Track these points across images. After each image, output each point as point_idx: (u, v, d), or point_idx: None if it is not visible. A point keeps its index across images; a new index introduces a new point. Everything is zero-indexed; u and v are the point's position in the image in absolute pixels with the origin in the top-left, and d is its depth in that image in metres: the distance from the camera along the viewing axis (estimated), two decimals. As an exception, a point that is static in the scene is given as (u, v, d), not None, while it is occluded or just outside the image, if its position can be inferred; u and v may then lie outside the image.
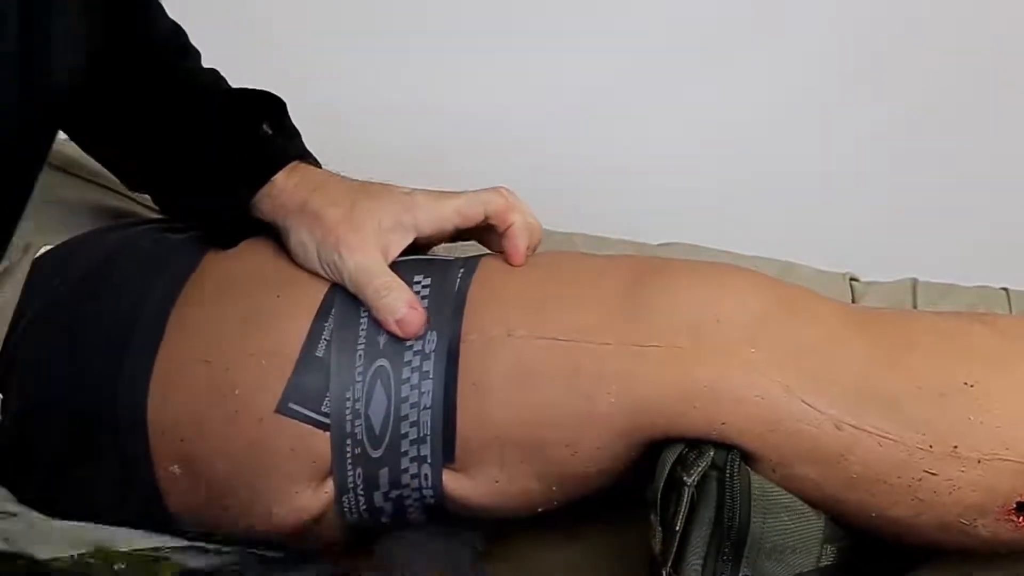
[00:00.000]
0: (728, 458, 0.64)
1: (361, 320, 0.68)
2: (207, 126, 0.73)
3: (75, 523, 0.69)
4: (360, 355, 0.66)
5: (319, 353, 0.66)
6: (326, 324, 0.67)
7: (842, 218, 1.25)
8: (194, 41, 0.79)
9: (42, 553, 0.68)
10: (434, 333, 0.67)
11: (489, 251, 0.74)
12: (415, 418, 0.66)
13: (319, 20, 1.22)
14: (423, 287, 0.69)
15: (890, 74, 1.26)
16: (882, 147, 1.27)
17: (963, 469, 0.62)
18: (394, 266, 0.69)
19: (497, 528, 0.76)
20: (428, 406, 0.66)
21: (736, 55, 1.26)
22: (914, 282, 0.92)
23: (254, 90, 0.75)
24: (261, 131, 0.73)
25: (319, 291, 0.69)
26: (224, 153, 0.72)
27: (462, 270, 0.70)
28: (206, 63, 0.78)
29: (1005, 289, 0.91)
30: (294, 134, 0.76)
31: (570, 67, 1.25)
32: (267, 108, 0.74)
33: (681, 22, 1.28)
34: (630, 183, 1.24)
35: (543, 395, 0.65)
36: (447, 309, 0.67)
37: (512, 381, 0.65)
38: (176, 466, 0.67)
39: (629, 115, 1.25)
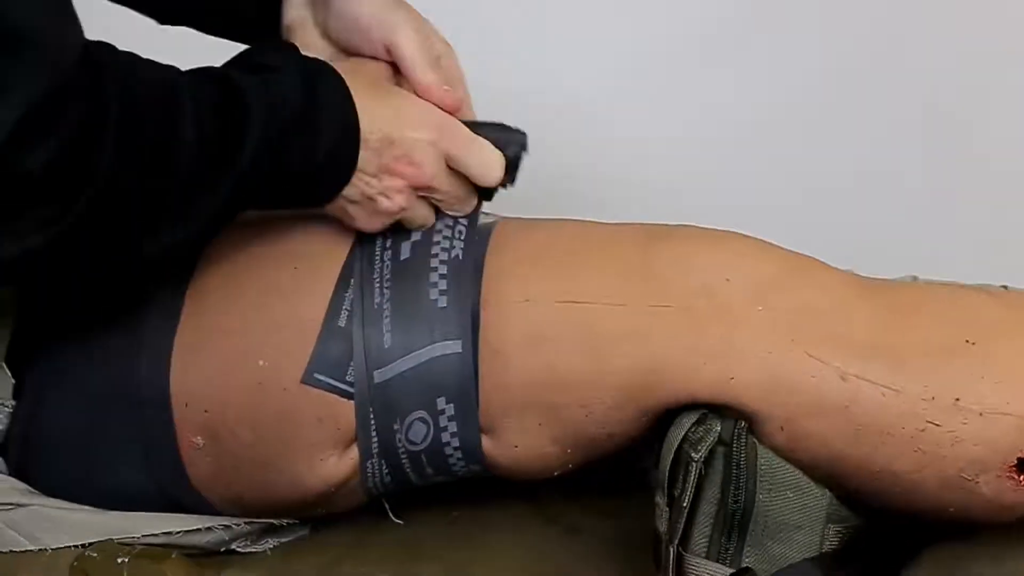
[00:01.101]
0: (735, 431, 0.65)
1: (384, 290, 0.69)
2: None
3: (86, 512, 0.70)
4: (386, 324, 0.68)
5: (341, 323, 0.68)
6: (347, 295, 0.68)
7: (842, 216, 1.25)
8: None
9: (52, 542, 0.69)
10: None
11: (500, 217, 0.75)
12: None
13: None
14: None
15: (890, 73, 1.26)
16: (882, 146, 1.27)
17: (965, 421, 0.64)
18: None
19: (500, 522, 0.77)
20: None
21: (737, 54, 1.27)
22: (914, 280, 0.93)
23: None
24: None
25: (337, 262, 0.70)
26: None
27: (476, 236, 0.71)
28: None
29: (1005, 287, 0.91)
30: None
31: (570, 64, 1.25)
32: None
33: (682, 21, 1.28)
34: (630, 181, 1.24)
35: (559, 357, 0.67)
36: (468, 275, 0.69)
37: (530, 346, 0.67)
38: (199, 438, 0.68)
39: (629, 113, 1.26)
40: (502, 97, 1.19)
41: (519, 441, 0.69)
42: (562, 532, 0.78)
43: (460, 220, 0.72)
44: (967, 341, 0.66)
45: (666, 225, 0.73)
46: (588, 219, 0.75)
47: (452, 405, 0.68)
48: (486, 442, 0.69)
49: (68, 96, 0.54)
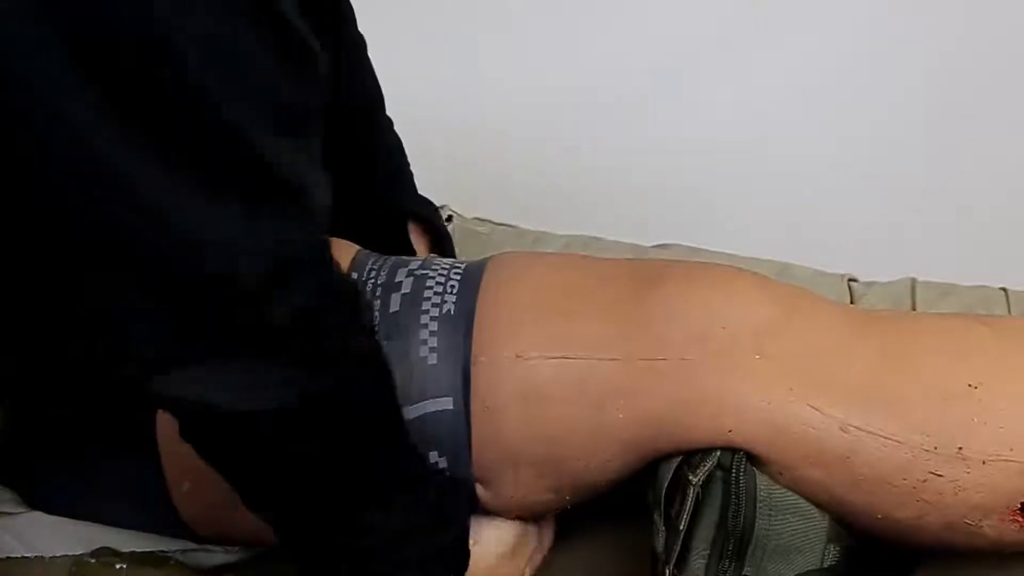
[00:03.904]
0: (734, 459, 0.65)
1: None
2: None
3: (84, 524, 0.70)
4: None
5: None
6: None
7: (841, 218, 1.25)
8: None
9: (49, 550, 0.69)
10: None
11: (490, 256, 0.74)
12: None
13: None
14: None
15: (889, 74, 1.26)
16: (881, 146, 1.27)
17: (968, 470, 0.63)
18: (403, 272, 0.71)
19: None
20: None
21: (735, 57, 1.27)
22: (913, 282, 0.92)
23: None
24: None
25: None
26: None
27: (468, 286, 0.69)
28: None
29: (1004, 289, 0.91)
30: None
31: (568, 67, 1.25)
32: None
33: (680, 25, 1.28)
34: (628, 183, 1.24)
35: (554, 413, 0.66)
36: (459, 331, 0.67)
37: (523, 402, 0.66)
38: (187, 484, 0.67)
39: (627, 115, 1.25)
40: (498, 97, 1.19)
41: (515, 492, 0.68)
42: (558, 539, 0.77)
43: (453, 275, 0.70)
44: (969, 385, 0.64)
45: (662, 262, 0.72)
46: (575, 239, 0.73)
47: (444, 458, 0.67)
48: (481, 491, 0.69)
49: (325, 253, 0.56)
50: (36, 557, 0.69)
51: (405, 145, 0.83)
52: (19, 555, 0.69)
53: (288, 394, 0.55)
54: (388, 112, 0.83)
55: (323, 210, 0.56)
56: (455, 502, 0.66)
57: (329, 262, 0.57)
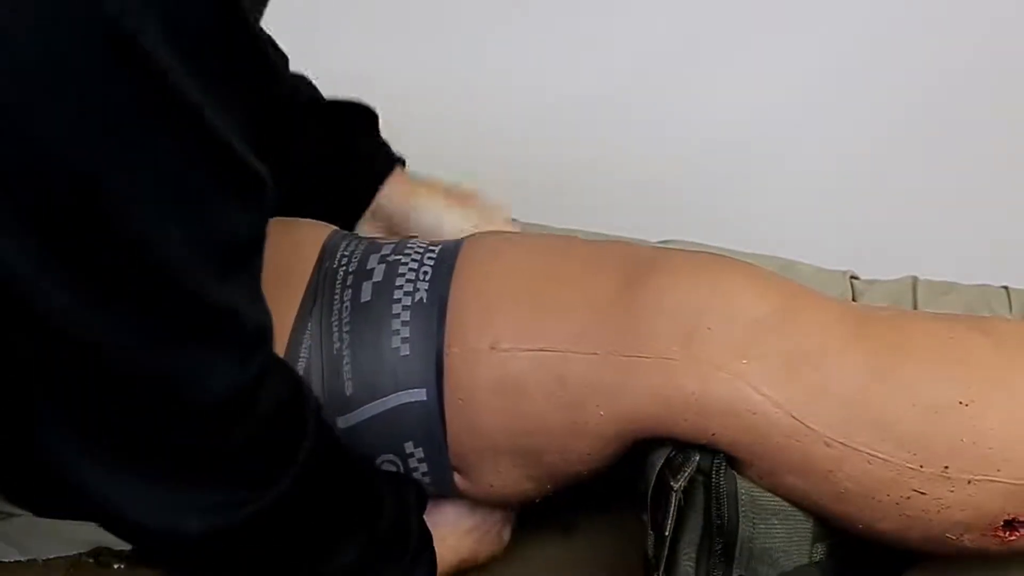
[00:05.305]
0: (714, 463, 0.64)
1: (344, 335, 0.67)
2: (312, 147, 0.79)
3: (76, 523, 0.69)
4: (346, 371, 0.66)
5: (299, 373, 0.65)
6: (304, 339, 0.66)
7: (843, 216, 1.25)
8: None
9: (43, 552, 0.68)
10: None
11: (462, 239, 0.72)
12: None
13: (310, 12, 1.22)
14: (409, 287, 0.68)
15: (891, 73, 1.26)
16: (883, 146, 1.27)
17: (952, 489, 0.62)
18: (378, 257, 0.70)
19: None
20: None
21: (735, 55, 1.27)
22: (915, 280, 0.92)
23: (347, 103, 0.80)
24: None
25: (293, 302, 0.67)
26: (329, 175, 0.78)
27: (441, 271, 0.68)
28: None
29: (1005, 288, 0.91)
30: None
31: (571, 64, 1.25)
32: (361, 120, 0.80)
33: (680, 22, 1.28)
34: (630, 180, 1.24)
35: (531, 407, 0.64)
36: (432, 320, 0.66)
37: (499, 395, 0.64)
38: None
39: (630, 112, 1.25)
40: (501, 94, 1.19)
41: (494, 481, 0.67)
42: (556, 532, 0.77)
43: (427, 259, 0.68)
44: (960, 402, 0.62)
45: (650, 249, 0.69)
46: (578, 235, 0.72)
47: (420, 449, 0.66)
48: (459, 480, 0.68)
49: (268, 375, 0.55)
50: (30, 560, 0.68)
51: (409, 142, 0.82)
52: (12, 559, 0.69)
53: (235, 514, 0.55)
54: (391, 111, 0.83)
55: (263, 333, 0.55)
56: (408, 518, 0.67)
57: (272, 383, 0.56)
